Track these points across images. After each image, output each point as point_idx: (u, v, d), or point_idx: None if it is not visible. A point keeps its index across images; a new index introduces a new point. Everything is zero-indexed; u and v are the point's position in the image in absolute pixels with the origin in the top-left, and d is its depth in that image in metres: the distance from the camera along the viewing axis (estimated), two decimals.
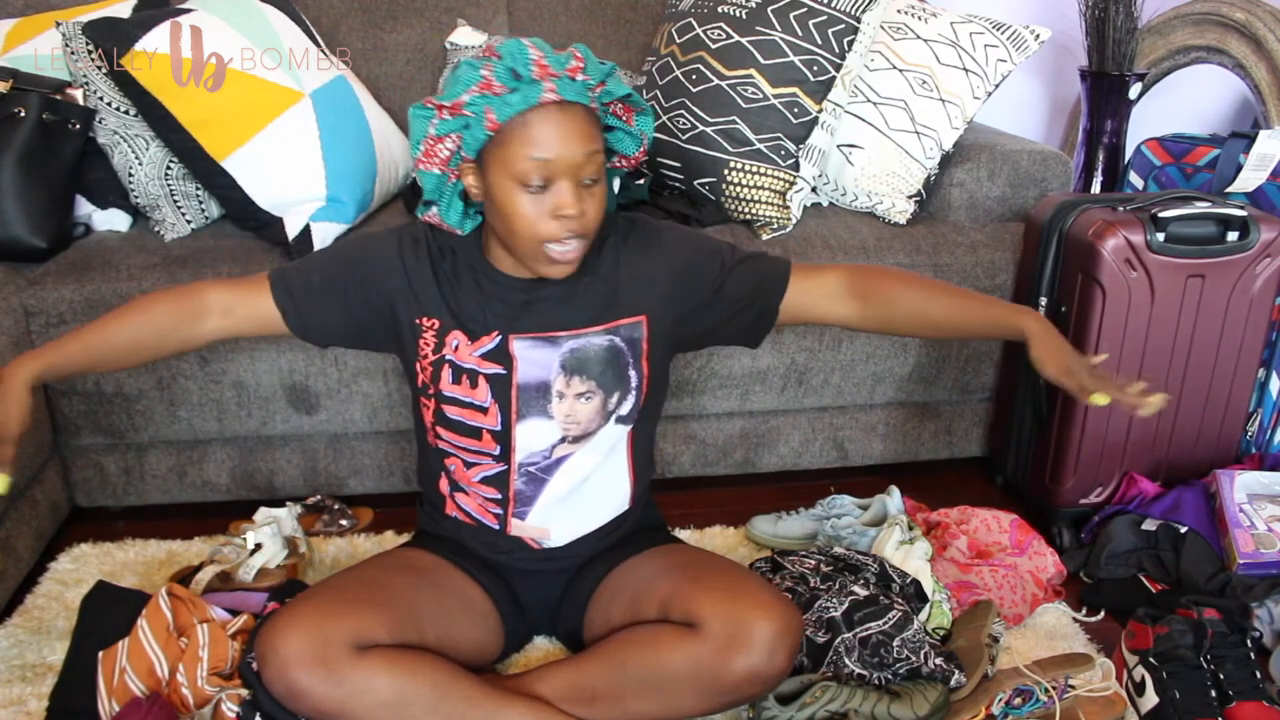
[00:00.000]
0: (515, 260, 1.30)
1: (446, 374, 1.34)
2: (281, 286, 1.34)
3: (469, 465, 1.38)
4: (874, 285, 1.37)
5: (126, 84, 1.70)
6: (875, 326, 1.40)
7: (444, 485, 1.43)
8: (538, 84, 1.17)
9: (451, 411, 1.35)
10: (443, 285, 1.33)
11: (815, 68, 1.88)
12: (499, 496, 1.39)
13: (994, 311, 1.38)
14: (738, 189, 1.89)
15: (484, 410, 1.34)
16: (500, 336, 1.32)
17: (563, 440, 1.36)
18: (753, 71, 1.88)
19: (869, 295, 1.37)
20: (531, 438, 1.35)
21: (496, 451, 1.36)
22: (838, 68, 1.89)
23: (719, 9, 1.94)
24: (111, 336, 1.30)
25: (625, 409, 1.38)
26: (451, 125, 1.21)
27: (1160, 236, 1.66)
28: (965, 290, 1.46)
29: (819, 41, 1.88)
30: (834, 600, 1.42)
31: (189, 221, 1.82)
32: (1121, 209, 1.71)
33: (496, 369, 1.33)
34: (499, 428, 1.34)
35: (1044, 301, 1.79)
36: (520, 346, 1.32)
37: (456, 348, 1.33)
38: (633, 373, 1.37)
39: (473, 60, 1.20)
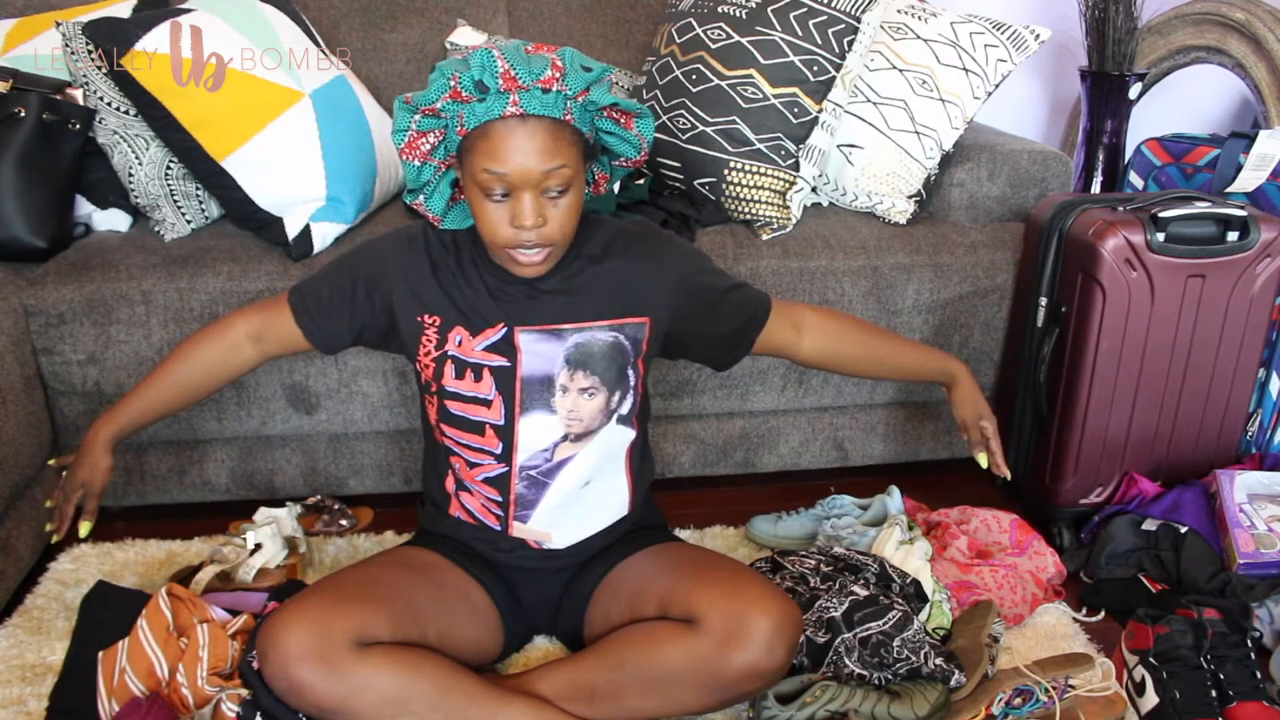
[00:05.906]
0: None
1: (449, 370, 1.34)
2: (301, 307, 1.39)
3: (471, 465, 1.39)
4: (833, 325, 1.52)
5: (126, 84, 1.70)
6: (828, 363, 1.54)
7: (450, 484, 1.43)
8: (504, 96, 1.18)
9: (454, 407, 1.36)
10: (444, 280, 1.34)
11: (815, 68, 1.88)
12: (500, 499, 1.39)
13: (931, 354, 1.58)
14: (738, 189, 1.89)
15: (487, 404, 1.35)
16: (506, 328, 1.33)
17: (565, 438, 1.36)
18: (753, 71, 1.88)
19: (829, 332, 1.51)
20: (534, 434, 1.36)
21: (499, 450, 1.36)
22: (838, 68, 1.89)
23: (719, 9, 1.94)
24: (166, 385, 1.41)
25: (625, 408, 1.39)
26: (433, 124, 1.24)
27: (1160, 236, 1.66)
28: (903, 337, 1.68)
29: (819, 41, 1.88)
30: (834, 600, 1.42)
31: (189, 221, 1.81)
32: (1121, 209, 1.71)
33: (501, 361, 1.33)
34: (502, 421, 1.35)
35: (1044, 301, 1.79)
36: (526, 339, 1.33)
37: (460, 343, 1.34)
38: (631, 372, 1.38)
39: (446, 64, 1.21)
